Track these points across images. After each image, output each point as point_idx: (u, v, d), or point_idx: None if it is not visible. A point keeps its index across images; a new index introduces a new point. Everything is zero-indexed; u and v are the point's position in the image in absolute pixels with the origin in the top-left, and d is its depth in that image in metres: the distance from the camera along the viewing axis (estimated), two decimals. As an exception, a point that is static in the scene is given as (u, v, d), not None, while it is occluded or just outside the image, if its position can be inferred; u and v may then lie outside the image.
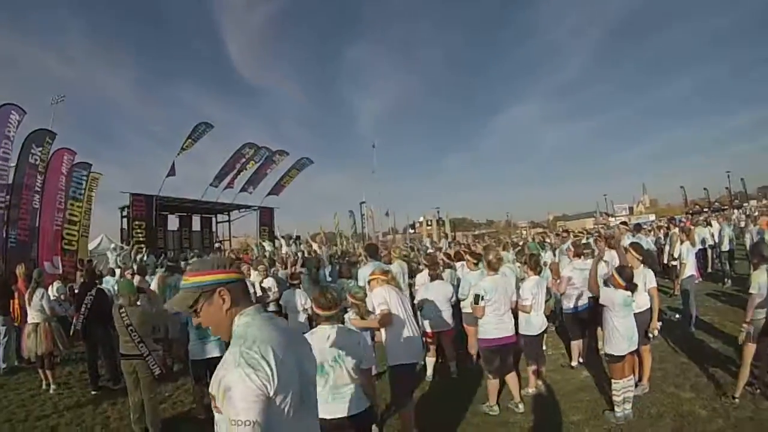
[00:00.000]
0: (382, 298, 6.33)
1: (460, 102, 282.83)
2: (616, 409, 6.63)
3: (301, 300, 9.99)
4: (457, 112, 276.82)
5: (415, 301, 9.17)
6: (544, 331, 8.30)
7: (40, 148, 16.42)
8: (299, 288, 10.37)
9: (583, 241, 12.29)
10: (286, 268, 13.18)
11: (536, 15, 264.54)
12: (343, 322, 4.77)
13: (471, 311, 8.19)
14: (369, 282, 6.91)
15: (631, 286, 6.65)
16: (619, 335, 6.61)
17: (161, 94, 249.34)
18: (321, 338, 4.46)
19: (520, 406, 7.38)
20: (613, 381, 6.69)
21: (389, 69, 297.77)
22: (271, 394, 2.09)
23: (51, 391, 9.46)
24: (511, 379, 7.47)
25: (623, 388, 6.64)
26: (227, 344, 2.40)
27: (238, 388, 2.05)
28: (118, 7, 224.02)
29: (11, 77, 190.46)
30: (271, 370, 2.11)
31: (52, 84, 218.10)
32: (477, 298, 7.22)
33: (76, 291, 12.34)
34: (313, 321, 5.45)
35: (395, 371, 6.35)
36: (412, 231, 47.32)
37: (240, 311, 2.42)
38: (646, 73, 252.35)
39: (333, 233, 32.77)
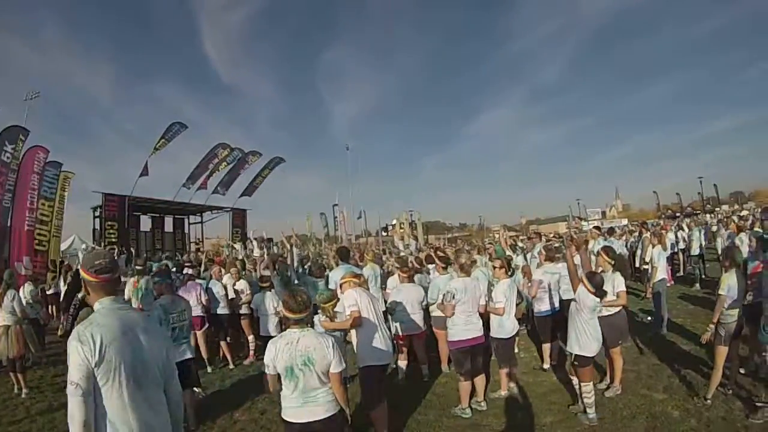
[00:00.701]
0: (353, 300, 6.37)
1: (435, 106, 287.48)
2: (588, 411, 6.65)
3: (273, 303, 10.02)
4: (432, 115, 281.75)
5: (387, 304, 9.15)
6: (516, 334, 8.32)
7: (13, 146, 16.21)
8: (270, 291, 10.37)
9: (555, 245, 12.33)
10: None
11: (512, 21, 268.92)
12: (313, 325, 4.72)
13: (440, 314, 8.22)
14: (341, 285, 6.95)
15: (600, 293, 6.70)
16: (588, 336, 6.68)
17: (136, 91, 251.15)
18: (290, 342, 4.47)
19: (483, 404, 7.48)
20: (582, 384, 6.70)
21: (365, 71, 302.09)
22: (93, 365, 2.85)
23: (23, 396, 9.29)
24: (479, 380, 7.52)
25: (592, 390, 6.70)
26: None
27: (71, 356, 2.87)
28: (97, 2, 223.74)
29: None
30: (95, 347, 2.87)
31: (26, 79, 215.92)
32: (447, 297, 7.24)
33: (47, 292, 12.25)
34: (283, 324, 5.37)
35: (365, 373, 6.39)
36: (384, 234, 47.16)
37: (99, 300, 3.18)
38: (621, 78, 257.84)
39: (305, 235, 32.68)
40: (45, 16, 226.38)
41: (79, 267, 11.77)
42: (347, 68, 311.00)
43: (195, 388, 8.14)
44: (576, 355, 6.75)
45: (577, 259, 7.95)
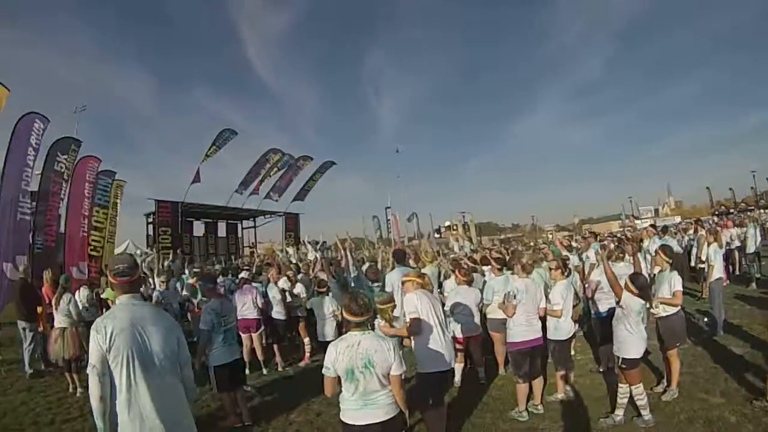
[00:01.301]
0: (413, 306, 6.28)
1: (478, 106, 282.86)
2: (642, 413, 6.58)
3: (331, 306, 10.13)
4: (476, 115, 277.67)
5: (446, 307, 8.96)
6: (573, 336, 8.25)
7: (65, 156, 16.54)
8: (327, 295, 10.44)
9: (611, 245, 12.19)
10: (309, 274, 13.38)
11: (550, 17, 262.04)
12: (373, 328, 4.71)
13: (496, 316, 8.20)
14: (403, 284, 6.92)
15: (644, 295, 6.65)
16: (635, 338, 6.59)
17: (182, 102, 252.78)
18: (351, 344, 4.44)
19: (540, 407, 7.41)
20: (632, 387, 6.61)
21: (407, 74, 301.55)
22: (105, 350, 3.62)
23: (78, 395, 9.50)
24: (537, 383, 7.47)
25: (644, 392, 6.62)
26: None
27: (90, 342, 3.73)
28: (139, 16, 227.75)
29: (35, 88, 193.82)
30: (106, 335, 3.63)
31: (74, 94, 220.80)
32: (509, 297, 7.22)
33: (102, 296, 12.46)
34: (343, 327, 5.38)
35: (425, 379, 6.27)
36: (437, 236, 47.00)
37: (118, 297, 3.98)
38: (667, 69, 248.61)
39: (360, 238, 32.72)
40: (90, 34, 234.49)
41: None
42: (389, 71, 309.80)
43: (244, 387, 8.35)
44: (623, 358, 6.66)
45: (619, 268, 7.87)
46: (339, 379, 4.49)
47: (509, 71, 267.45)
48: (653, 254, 9.18)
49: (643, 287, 6.62)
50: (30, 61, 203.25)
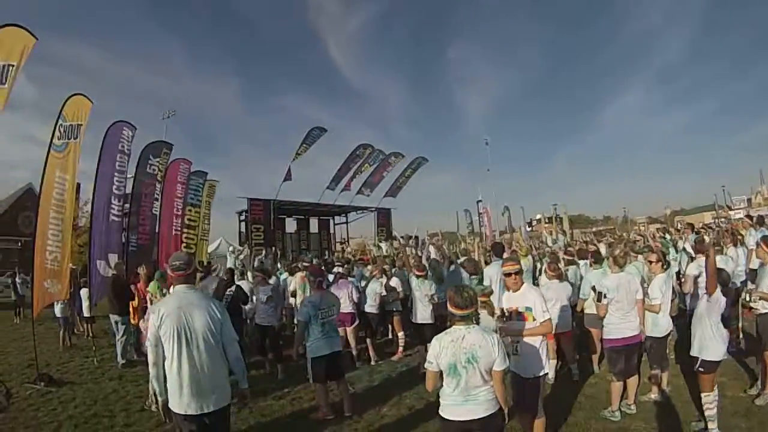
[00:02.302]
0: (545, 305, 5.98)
1: (562, 97, 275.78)
2: (709, 426, 6.24)
3: (430, 291, 10.25)
4: (560, 107, 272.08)
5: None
6: (669, 333, 7.88)
7: (158, 159, 17.32)
8: (426, 278, 10.47)
9: (706, 237, 11.81)
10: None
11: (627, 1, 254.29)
12: (478, 322, 4.62)
13: (593, 312, 8.03)
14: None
15: (727, 291, 6.42)
16: (717, 339, 6.29)
17: (270, 104, 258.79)
18: (455, 339, 4.39)
19: (633, 407, 7.20)
20: (703, 394, 6.31)
21: (490, 66, 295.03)
22: (156, 327, 4.56)
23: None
24: (632, 381, 7.28)
25: (714, 400, 6.28)
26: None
27: (148, 322, 5.12)
28: (224, 24, 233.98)
29: (128, 96, 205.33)
30: (158, 316, 4.60)
31: (163, 101, 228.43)
32: (599, 296, 7.09)
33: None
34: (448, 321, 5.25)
35: (540, 382, 5.93)
36: (529, 229, 46.56)
37: (174, 287, 4.97)
38: (754, 49, 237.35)
39: (451, 233, 32.63)
40: (175, 43, 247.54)
41: (227, 267, 12.73)
42: (472, 64, 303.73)
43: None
44: (702, 360, 6.33)
45: (732, 252, 7.57)
46: (441, 373, 4.46)
47: (593, 58, 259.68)
48: (754, 246, 8.82)
49: (725, 283, 6.42)
50: (123, 71, 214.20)
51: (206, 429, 4.63)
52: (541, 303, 5.85)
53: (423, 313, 10.17)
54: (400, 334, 11.61)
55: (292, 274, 13.91)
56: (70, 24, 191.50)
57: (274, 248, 23.84)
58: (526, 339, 5.81)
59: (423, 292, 10.20)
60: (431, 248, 13.18)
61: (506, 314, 6.10)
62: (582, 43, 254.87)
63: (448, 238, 26.08)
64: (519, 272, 6.06)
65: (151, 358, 4.66)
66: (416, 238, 20.73)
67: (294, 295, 12.99)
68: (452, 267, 11.77)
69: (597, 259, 9.29)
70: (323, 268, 12.16)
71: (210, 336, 4.65)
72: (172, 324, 4.54)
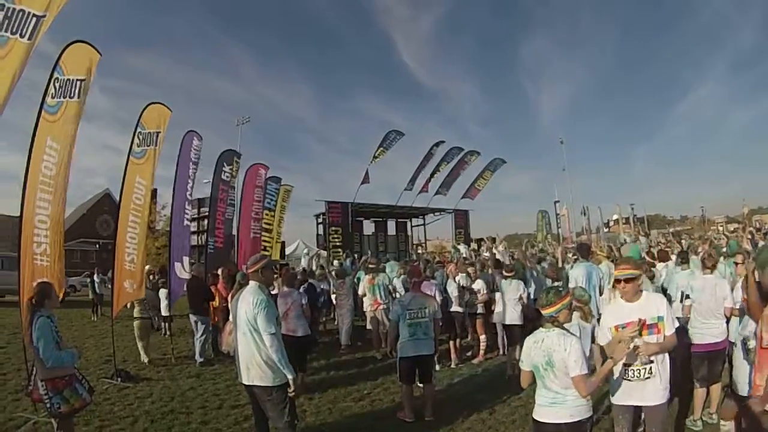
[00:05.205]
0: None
1: (635, 94, 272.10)
2: None
3: (518, 291, 10.37)
4: (634, 104, 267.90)
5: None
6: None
7: (230, 166, 18.05)
8: (515, 279, 10.53)
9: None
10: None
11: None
12: (561, 326, 4.46)
13: (679, 315, 7.93)
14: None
15: None
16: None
17: (344, 109, 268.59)
18: (537, 341, 4.45)
19: (714, 417, 6.87)
20: (722, 422, 5.86)
21: (563, 64, 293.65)
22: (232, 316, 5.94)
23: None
24: (715, 388, 7.02)
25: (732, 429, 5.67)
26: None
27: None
28: (291, 31, 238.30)
29: (209, 105, 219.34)
30: (233, 306, 6.03)
31: (238, 107, 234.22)
32: (682, 296, 7.02)
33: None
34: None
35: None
36: (606, 230, 45.84)
37: (251, 282, 5.88)
38: None
39: (528, 234, 32.43)
40: (247, 53, 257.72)
41: (301, 267, 13.19)
42: (545, 62, 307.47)
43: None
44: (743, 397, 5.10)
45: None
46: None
47: (666, 52, 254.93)
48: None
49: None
50: (200, 81, 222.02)
51: (256, 399, 5.89)
52: (670, 311, 4.89)
53: (512, 314, 10.24)
54: (482, 337, 11.58)
55: (367, 273, 13.88)
56: (149, 38, 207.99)
57: (348, 251, 24.25)
58: (660, 356, 4.72)
59: (512, 292, 10.27)
60: (500, 248, 13.14)
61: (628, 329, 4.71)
62: (650, 36, 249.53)
63: (523, 240, 26.04)
64: (637, 277, 4.95)
65: (226, 332, 6.84)
66: (494, 239, 20.87)
67: (364, 295, 13.26)
68: (534, 273, 11.84)
69: (684, 259, 8.96)
70: (425, 269, 12.12)
71: (245, 324, 5.66)
72: (234, 310, 5.90)
